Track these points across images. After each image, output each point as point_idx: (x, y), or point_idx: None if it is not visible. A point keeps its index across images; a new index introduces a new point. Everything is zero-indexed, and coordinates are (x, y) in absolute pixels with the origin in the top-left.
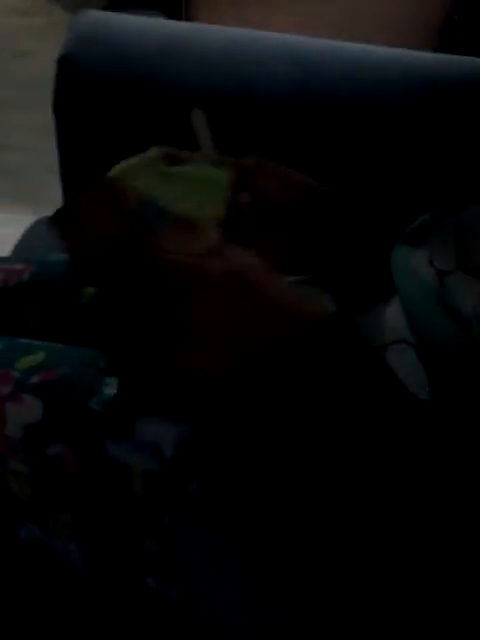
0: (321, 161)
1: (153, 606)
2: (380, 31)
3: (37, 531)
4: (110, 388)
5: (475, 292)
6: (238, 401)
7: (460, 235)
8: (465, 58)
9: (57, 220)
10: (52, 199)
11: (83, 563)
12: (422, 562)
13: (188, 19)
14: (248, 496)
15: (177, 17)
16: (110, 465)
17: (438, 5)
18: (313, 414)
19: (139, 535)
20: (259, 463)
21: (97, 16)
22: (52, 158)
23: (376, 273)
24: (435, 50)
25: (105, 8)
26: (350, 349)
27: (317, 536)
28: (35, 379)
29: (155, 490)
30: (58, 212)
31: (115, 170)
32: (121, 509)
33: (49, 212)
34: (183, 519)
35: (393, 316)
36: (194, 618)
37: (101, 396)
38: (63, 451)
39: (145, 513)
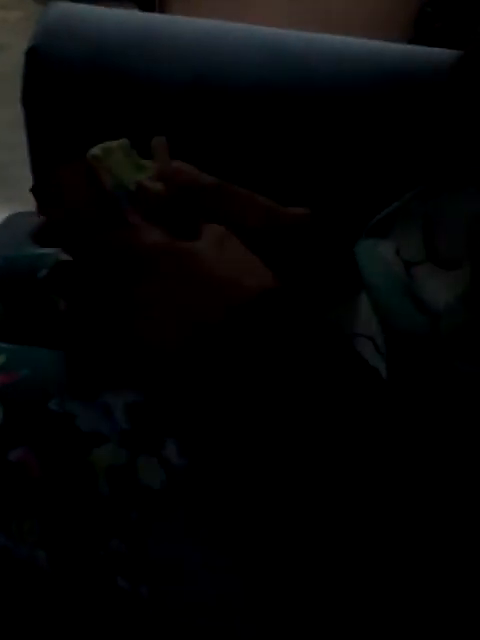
0: (295, 152)
1: (124, 606)
2: (355, 24)
3: (2, 538)
4: None
5: (444, 283)
6: (188, 375)
7: (429, 225)
8: (436, 50)
9: (37, 189)
10: (26, 194)
11: (50, 568)
12: (384, 540)
13: (162, 12)
14: (215, 483)
15: (151, 9)
16: (73, 464)
17: None
18: (262, 388)
19: (106, 535)
20: (219, 441)
21: (67, 8)
22: (27, 153)
23: (342, 271)
24: (410, 42)
25: (77, 0)
26: (293, 321)
27: (287, 522)
28: None
29: (120, 487)
30: (39, 181)
31: (96, 149)
32: (87, 510)
33: (23, 207)
34: (150, 515)
35: (353, 312)
36: (166, 617)
37: (62, 397)
38: (25, 455)
39: (111, 512)
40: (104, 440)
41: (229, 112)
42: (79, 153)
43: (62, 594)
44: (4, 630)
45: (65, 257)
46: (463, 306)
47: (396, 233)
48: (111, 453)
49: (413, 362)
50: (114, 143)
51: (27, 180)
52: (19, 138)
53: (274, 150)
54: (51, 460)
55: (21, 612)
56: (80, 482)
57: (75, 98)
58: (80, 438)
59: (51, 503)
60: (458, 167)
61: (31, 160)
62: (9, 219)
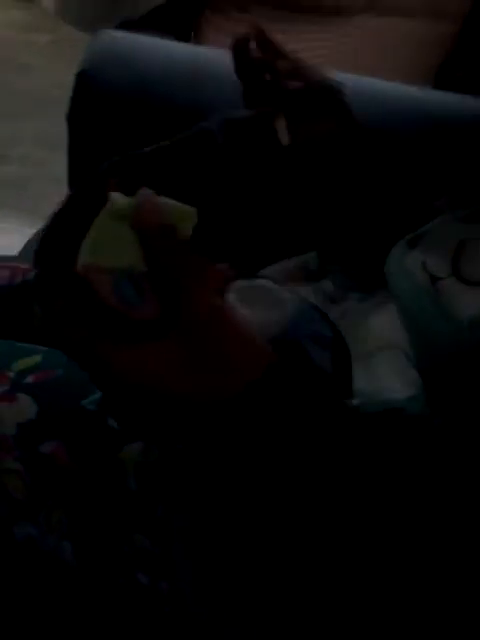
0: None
1: (144, 602)
2: (379, 70)
3: (30, 529)
4: None
5: (470, 297)
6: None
7: (461, 247)
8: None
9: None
10: (46, 209)
11: (75, 560)
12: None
13: (197, 43)
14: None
15: (186, 40)
16: (103, 460)
17: (434, 49)
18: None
19: (131, 530)
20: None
21: (116, 35)
22: (51, 169)
23: (374, 269)
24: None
25: (116, 28)
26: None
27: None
28: (30, 379)
29: (147, 483)
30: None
31: (84, 252)
32: (114, 504)
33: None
34: (175, 511)
35: (381, 323)
36: (185, 614)
37: (95, 397)
38: (56, 448)
39: (137, 507)
40: (135, 438)
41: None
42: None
43: (84, 587)
44: (23, 621)
45: None
46: None
47: (425, 246)
48: (141, 450)
49: (444, 373)
50: (93, 231)
51: (49, 196)
52: (44, 154)
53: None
54: (82, 455)
55: (42, 603)
56: (109, 477)
57: (118, 122)
58: (111, 435)
59: (80, 496)
60: None
61: (69, 177)
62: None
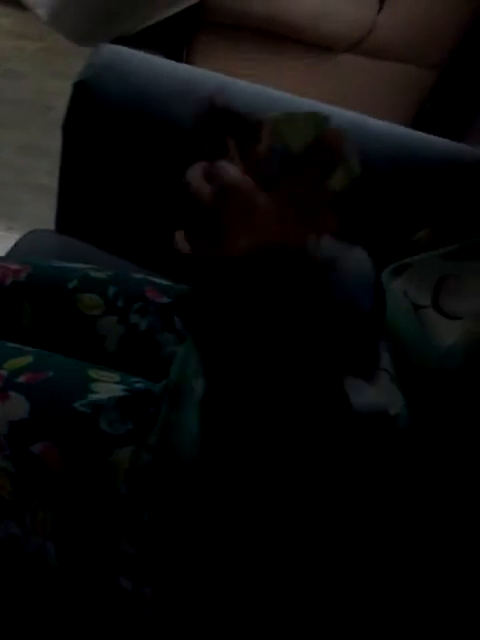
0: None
1: (126, 607)
2: (361, 108)
3: (14, 528)
4: (96, 395)
5: (446, 330)
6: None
7: (441, 282)
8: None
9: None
10: (29, 216)
11: (58, 562)
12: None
13: (188, 63)
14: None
15: (178, 60)
16: (94, 463)
17: (414, 95)
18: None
19: (118, 535)
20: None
21: (117, 50)
22: (31, 177)
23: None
24: None
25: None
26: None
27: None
28: (22, 378)
29: (138, 487)
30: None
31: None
32: (102, 508)
33: (25, 228)
34: (161, 517)
35: None
36: (169, 620)
37: (87, 400)
38: (47, 449)
39: (125, 511)
40: (126, 442)
41: None
42: (103, 188)
43: (66, 590)
44: (5, 624)
45: (101, 275)
46: (463, 355)
47: (408, 277)
48: (132, 455)
49: (425, 395)
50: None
51: (25, 203)
52: (26, 162)
53: None
54: (73, 457)
55: (23, 606)
56: (100, 480)
57: (114, 135)
58: (103, 439)
59: (68, 498)
60: None
61: (59, 185)
62: (28, 235)
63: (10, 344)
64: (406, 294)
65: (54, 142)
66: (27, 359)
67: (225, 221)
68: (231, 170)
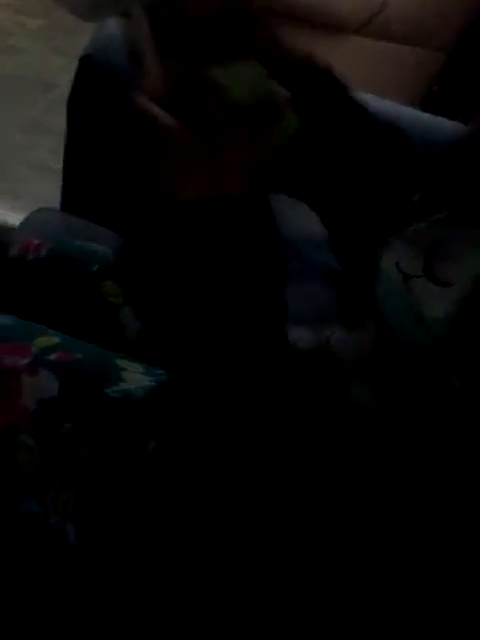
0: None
1: (140, 589)
2: (369, 89)
3: (35, 506)
4: (127, 384)
5: (437, 298)
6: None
7: (434, 248)
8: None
9: None
10: (33, 194)
11: (77, 542)
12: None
13: None
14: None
15: None
16: (125, 450)
17: (421, 77)
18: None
19: (141, 520)
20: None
21: (124, 24)
22: (34, 154)
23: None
24: None
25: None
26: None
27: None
28: (53, 357)
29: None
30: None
31: None
32: (128, 492)
33: (29, 207)
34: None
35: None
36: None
37: (119, 388)
38: (76, 431)
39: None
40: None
41: None
42: (108, 167)
43: (84, 570)
44: (20, 596)
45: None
46: (450, 323)
47: (399, 246)
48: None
49: (410, 373)
50: None
51: (29, 182)
52: (28, 140)
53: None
54: (103, 442)
55: (40, 581)
56: (129, 466)
57: (120, 110)
58: (137, 426)
59: (94, 482)
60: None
61: (64, 163)
62: (33, 216)
63: (33, 323)
64: (398, 265)
65: (57, 120)
66: (54, 339)
67: (166, 168)
68: (168, 119)
